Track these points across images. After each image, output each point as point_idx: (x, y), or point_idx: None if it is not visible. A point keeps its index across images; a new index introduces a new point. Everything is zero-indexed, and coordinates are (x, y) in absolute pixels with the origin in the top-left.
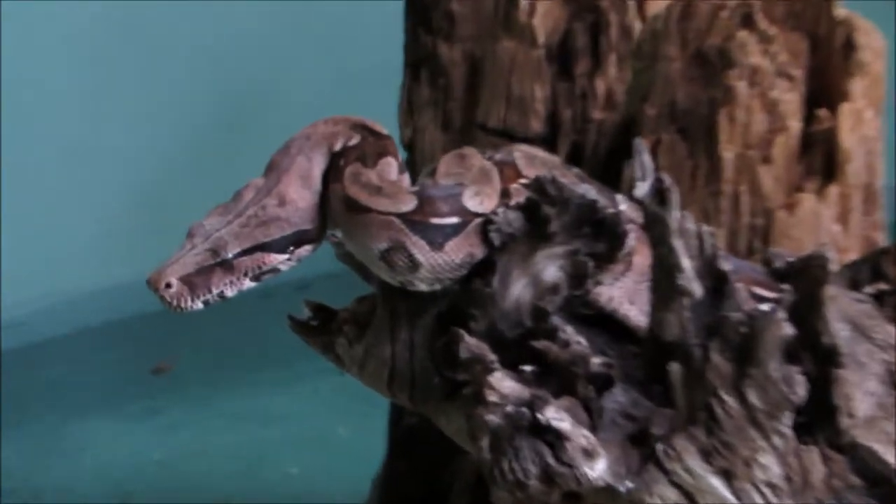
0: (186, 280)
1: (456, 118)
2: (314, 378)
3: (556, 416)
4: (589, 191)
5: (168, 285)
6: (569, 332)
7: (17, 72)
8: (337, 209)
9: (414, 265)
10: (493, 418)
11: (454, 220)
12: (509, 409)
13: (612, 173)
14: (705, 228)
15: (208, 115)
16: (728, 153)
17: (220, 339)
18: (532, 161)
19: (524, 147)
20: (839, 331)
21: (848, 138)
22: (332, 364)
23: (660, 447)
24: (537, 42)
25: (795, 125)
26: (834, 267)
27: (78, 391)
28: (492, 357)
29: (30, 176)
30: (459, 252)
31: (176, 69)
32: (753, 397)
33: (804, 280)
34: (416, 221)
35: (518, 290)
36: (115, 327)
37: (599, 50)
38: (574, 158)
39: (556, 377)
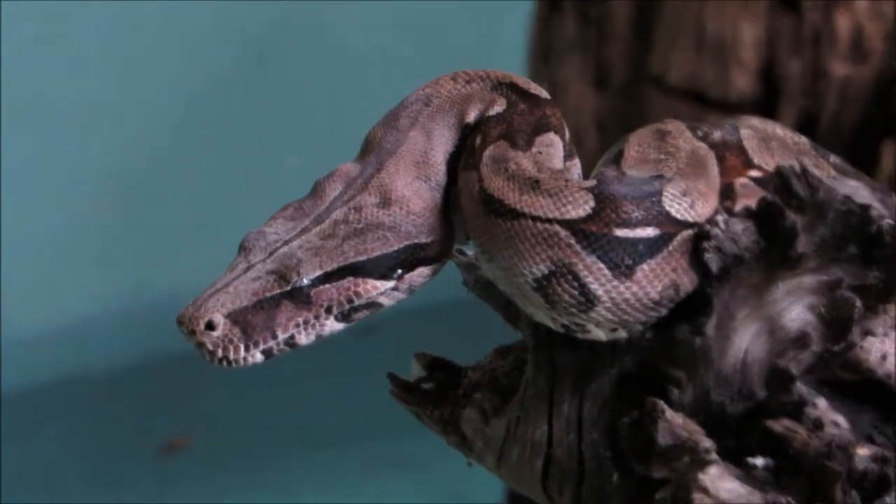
0: (239, 318)
1: (617, 69)
2: (384, 469)
3: None
4: (857, 190)
5: (210, 326)
6: (821, 407)
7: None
8: (471, 212)
9: (587, 301)
10: None
11: (650, 231)
12: None
13: (862, 159)
14: None
15: (220, 62)
16: None
17: (250, 407)
18: (767, 143)
19: (755, 121)
20: None
21: None
22: (424, 448)
23: None
24: None
25: None
26: None
27: (70, 473)
28: (705, 443)
29: None
30: (657, 281)
31: None
32: None
33: None
34: (591, 233)
35: (746, 341)
36: (123, 376)
37: None
38: (803, 133)
39: (803, 476)
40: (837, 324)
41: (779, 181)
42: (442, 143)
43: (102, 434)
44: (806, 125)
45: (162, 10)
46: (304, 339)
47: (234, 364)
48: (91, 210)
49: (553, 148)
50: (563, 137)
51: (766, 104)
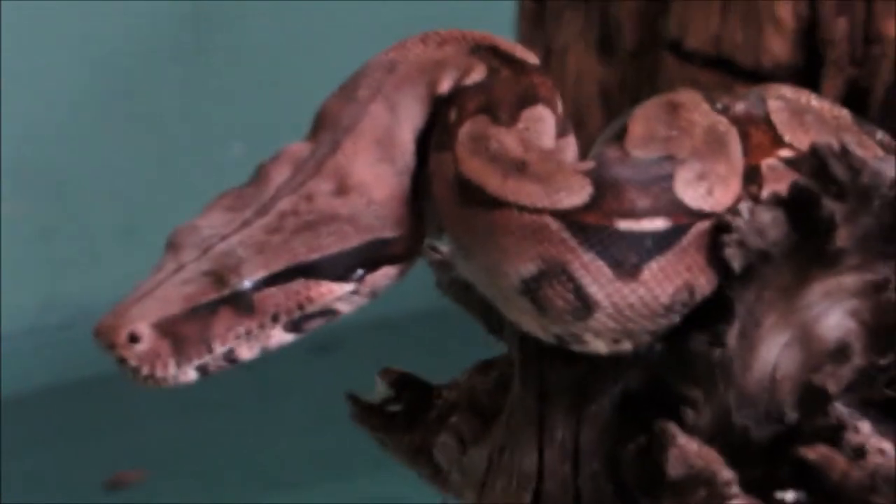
0: (168, 329)
1: (627, 31)
2: None
3: None
4: None
5: (133, 338)
6: (865, 431)
7: None
8: (444, 201)
9: (585, 306)
10: None
11: (660, 223)
12: None
13: None
14: None
15: (142, 35)
16: None
17: (184, 438)
18: (801, 116)
19: (786, 91)
20: None
21: None
22: (416, 479)
23: None
24: None
25: None
26: None
27: None
28: (725, 474)
29: None
30: (668, 283)
31: None
32: None
33: None
34: (589, 226)
35: (774, 353)
36: (31, 402)
37: None
38: (852, 108)
39: None
40: (884, 332)
41: (814, 162)
42: (409, 119)
43: (30, 463)
44: (854, 99)
45: None
46: (246, 352)
47: (162, 383)
48: None
49: (542, 123)
50: (554, 111)
51: (807, 74)
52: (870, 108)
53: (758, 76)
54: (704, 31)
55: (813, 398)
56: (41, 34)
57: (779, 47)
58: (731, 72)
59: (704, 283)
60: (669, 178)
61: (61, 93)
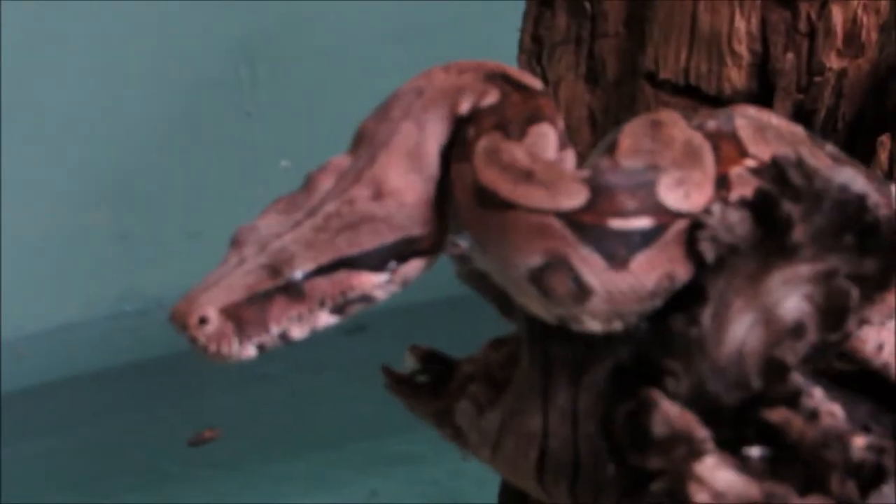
0: (232, 313)
1: (610, 65)
2: (376, 467)
3: None
4: (854, 179)
5: (203, 320)
6: (817, 397)
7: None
8: (464, 204)
9: (582, 292)
10: None
11: (645, 222)
12: None
13: (858, 154)
14: None
15: (206, 70)
16: None
17: (237, 406)
18: (763, 132)
19: (750, 111)
20: None
21: None
22: (410, 443)
23: None
24: None
25: None
26: None
27: (84, 467)
28: (701, 434)
29: None
30: (652, 272)
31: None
32: None
33: None
34: (586, 224)
35: (742, 331)
36: (130, 372)
37: None
38: None
39: (800, 465)
40: (833, 313)
41: (774, 170)
42: (435, 135)
43: (120, 426)
44: (801, 120)
45: (155, 17)
46: (297, 332)
47: (227, 359)
48: (81, 218)
49: (546, 139)
50: (556, 128)
51: (761, 99)
52: (814, 126)
53: (720, 101)
54: (675, 64)
55: (774, 369)
56: (121, 73)
57: (737, 77)
58: (697, 98)
59: (683, 272)
60: (653, 183)
61: (138, 120)
